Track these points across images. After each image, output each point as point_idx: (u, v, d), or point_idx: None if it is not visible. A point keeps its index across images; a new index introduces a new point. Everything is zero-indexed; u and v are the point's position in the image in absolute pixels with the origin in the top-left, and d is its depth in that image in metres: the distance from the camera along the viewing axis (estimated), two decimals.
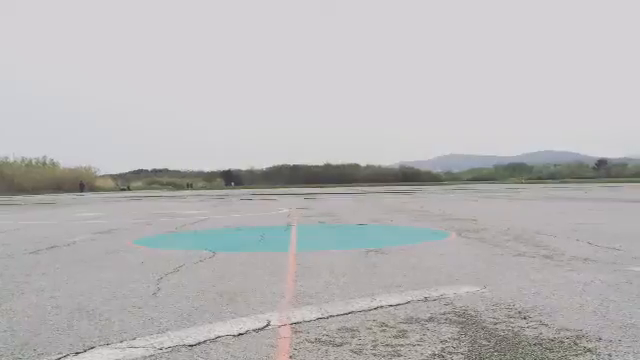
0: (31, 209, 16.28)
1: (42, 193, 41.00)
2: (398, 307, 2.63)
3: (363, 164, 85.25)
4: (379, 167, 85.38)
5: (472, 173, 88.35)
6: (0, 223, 9.91)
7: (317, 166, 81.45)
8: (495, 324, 2.31)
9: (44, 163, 56.49)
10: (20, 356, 1.99)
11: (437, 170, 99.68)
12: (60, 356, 1.98)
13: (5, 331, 2.33)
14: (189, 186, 61.54)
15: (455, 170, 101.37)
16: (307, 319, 2.43)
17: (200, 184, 70.05)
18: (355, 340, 2.11)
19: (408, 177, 76.01)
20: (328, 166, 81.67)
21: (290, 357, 1.93)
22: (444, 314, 2.48)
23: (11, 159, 54.00)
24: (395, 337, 2.14)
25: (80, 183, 49.58)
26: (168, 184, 66.70)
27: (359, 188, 40.86)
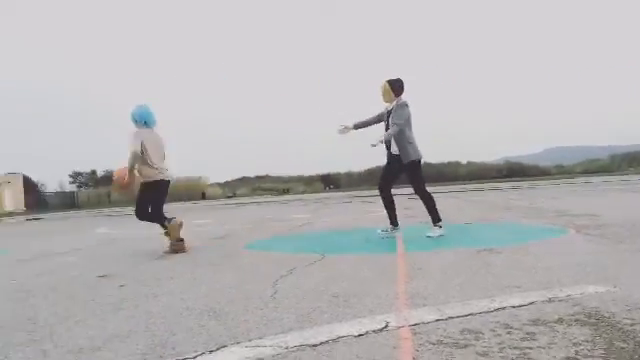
0: None
1: None
2: (521, 308, 2.52)
3: (464, 161, 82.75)
4: (481, 163, 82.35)
5: (584, 165, 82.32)
6: (125, 232, 10.79)
7: None
8: (632, 325, 2.15)
9: None
10: (161, 354, 2.16)
11: (545, 164, 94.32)
12: (197, 354, 2.13)
13: (145, 331, 2.55)
14: (287, 191, 63.23)
15: (565, 163, 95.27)
16: (425, 320, 2.41)
17: (300, 188, 71.67)
18: (480, 342, 2.06)
19: (514, 172, 72.59)
20: (427, 165, 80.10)
21: (413, 358, 1.92)
22: (573, 315, 2.35)
23: None
24: (522, 339, 2.06)
25: (202, 193, 53.35)
26: (270, 189, 68.94)
27: (461, 186, 39.68)
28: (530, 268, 3.60)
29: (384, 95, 6.05)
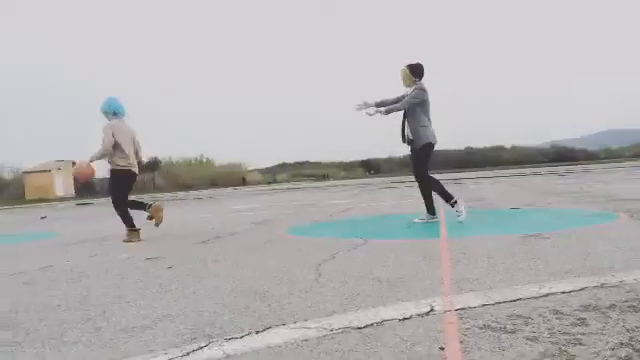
0: (194, 203, 17.94)
1: (202, 189, 44.87)
2: (572, 294, 2.46)
3: (508, 145, 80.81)
4: (527, 147, 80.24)
5: (636, 149, 79.12)
6: (171, 217, 11.07)
7: (458, 150, 78.83)
8: None
9: (201, 161, 61.79)
10: (209, 333, 2.21)
11: (594, 148, 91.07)
12: (243, 334, 2.17)
13: (193, 312, 2.61)
14: (326, 177, 63.30)
15: (615, 147, 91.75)
16: (472, 305, 2.38)
17: (340, 174, 71.66)
18: (528, 327, 2.02)
19: (561, 157, 70.49)
20: (470, 150, 78.68)
21: (461, 342, 1.90)
22: (626, 302, 2.27)
23: (174, 159, 59.93)
24: (573, 325, 2.01)
25: (243, 178, 54.23)
26: (310, 175, 69.22)
27: (506, 171, 38.81)
28: (580, 254, 3.50)
29: (404, 80, 6.06)
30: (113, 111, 6.25)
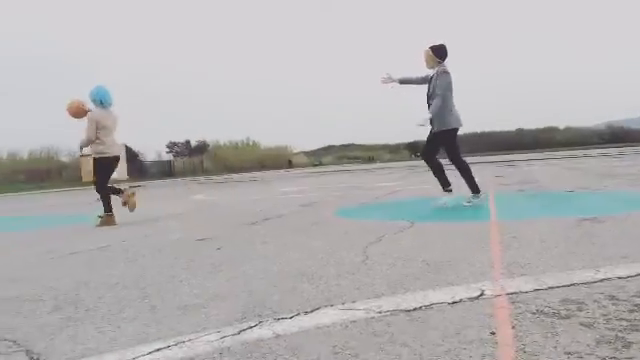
0: (241, 186, 18.24)
1: (249, 171, 45.55)
2: (629, 279, 2.37)
3: (561, 126, 77.96)
4: (581, 128, 77.18)
5: None
6: (220, 199, 11.30)
7: (508, 132, 76.65)
8: None
9: (248, 144, 62.62)
10: (260, 313, 2.26)
11: None
12: (293, 314, 2.20)
13: (242, 292, 2.67)
14: (372, 159, 62.94)
15: None
16: (523, 290, 2.34)
17: (386, 156, 71.10)
18: (583, 313, 1.97)
19: (617, 138, 67.53)
20: (521, 131, 76.39)
21: (512, 327, 1.87)
22: None
23: (222, 142, 60.98)
24: (630, 311, 1.94)
25: (289, 160, 54.82)
26: (356, 158, 69.00)
27: (558, 153, 37.54)
28: (637, 238, 3.36)
29: (427, 61, 6.06)
30: (100, 100, 6.62)
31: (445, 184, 6.20)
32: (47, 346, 2.02)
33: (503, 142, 67.54)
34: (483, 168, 18.39)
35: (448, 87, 5.90)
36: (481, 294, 2.31)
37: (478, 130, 78.29)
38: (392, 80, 6.27)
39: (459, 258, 3.12)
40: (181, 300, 2.58)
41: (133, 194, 6.89)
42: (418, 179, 14.09)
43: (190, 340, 1.97)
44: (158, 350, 1.89)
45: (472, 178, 6.12)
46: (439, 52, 6.00)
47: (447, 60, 6.02)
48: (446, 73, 5.90)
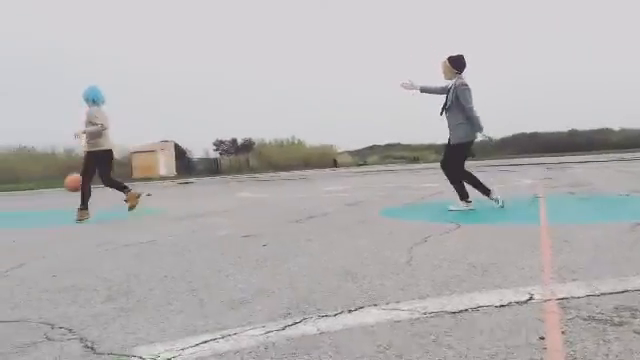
0: (287, 184, 18.39)
1: (294, 169, 45.88)
2: None
3: (616, 128, 74.80)
4: (638, 130, 73.87)
5: None
6: (265, 196, 11.44)
7: (560, 132, 74.18)
8: None
9: (293, 142, 63.03)
10: (304, 310, 2.28)
11: None
12: (337, 312, 2.21)
13: (287, 288, 2.70)
14: (417, 159, 62.23)
15: None
16: (575, 295, 2.27)
17: (431, 157, 70.13)
18: (637, 321, 1.89)
19: None
20: (573, 132, 73.81)
21: (562, 333, 1.82)
22: None
23: (267, 140, 61.68)
24: None
25: (334, 160, 55.11)
26: (401, 158, 68.34)
27: (612, 155, 36.10)
28: None
29: (445, 73, 6.04)
30: (92, 99, 7.08)
31: (485, 192, 6.05)
32: (100, 334, 2.11)
33: (554, 143, 65.36)
34: (532, 170, 17.89)
35: (470, 100, 5.88)
36: (530, 298, 2.26)
37: (527, 131, 76.12)
38: (413, 87, 6.27)
39: (507, 261, 3.05)
40: (227, 294, 2.63)
41: (139, 196, 7.34)
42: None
43: (236, 334, 2.01)
44: (205, 342, 1.93)
45: (463, 187, 6.07)
46: (457, 63, 5.98)
47: (465, 71, 6.00)
48: (464, 86, 5.87)
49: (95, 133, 7.02)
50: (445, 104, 6.04)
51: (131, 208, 7.35)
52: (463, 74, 5.98)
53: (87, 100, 7.11)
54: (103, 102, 7.21)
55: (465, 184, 6.09)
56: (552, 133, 73.39)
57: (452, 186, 6.17)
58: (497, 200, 5.94)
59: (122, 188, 7.38)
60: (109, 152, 7.24)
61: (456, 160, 6.10)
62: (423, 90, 6.31)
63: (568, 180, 11.26)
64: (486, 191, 6.04)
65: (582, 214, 5.33)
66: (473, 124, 5.89)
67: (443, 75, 6.10)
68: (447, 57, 6.02)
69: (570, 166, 19.83)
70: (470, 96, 5.89)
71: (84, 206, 7.06)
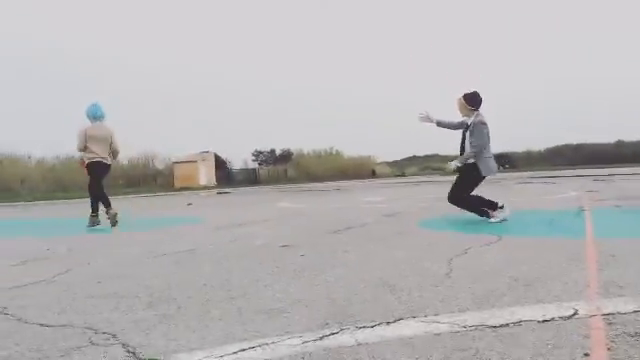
0: (325, 194, 18.42)
1: (331, 180, 45.95)
2: None
3: None
4: None
5: None
6: (303, 207, 11.49)
7: (606, 144, 71.82)
8: None
9: (331, 153, 63.15)
10: (341, 321, 2.28)
11: None
12: (374, 324, 2.20)
13: (325, 299, 2.70)
14: (457, 171, 61.33)
15: None
16: (622, 311, 2.19)
17: None
18: None
19: None
20: (620, 143, 71.34)
21: (608, 349, 1.76)
22: None
23: (305, 151, 62.01)
24: None
25: (372, 170, 55.09)
26: (439, 169, 67.47)
27: None
28: None
29: (460, 110, 6.05)
30: (92, 115, 7.51)
31: (493, 206, 5.94)
32: (142, 340, 2.15)
33: (600, 155, 63.33)
34: (577, 182, 17.38)
35: (485, 140, 5.86)
36: (574, 313, 2.19)
37: (574, 142, 73.98)
38: (430, 120, 6.24)
39: (550, 275, 2.97)
40: (265, 304, 2.65)
41: (115, 215, 7.49)
42: (505, 192, 13.55)
43: (273, 343, 2.02)
44: (243, 350, 1.95)
45: (484, 201, 6.02)
46: (472, 101, 5.95)
47: (482, 107, 5.97)
48: (482, 124, 5.83)
49: (78, 149, 7.63)
50: (462, 141, 6.02)
51: (112, 225, 7.48)
52: (480, 110, 5.96)
53: (87, 117, 7.59)
54: (100, 118, 7.61)
55: (481, 197, 6.08)
56: (599, 144, 71.15)
57: (473, 213, 6.09)
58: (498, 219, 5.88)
59: (105, 203, 7.61)
60: (94, 163, 7.55)
61: (465, 187, 6.09)
62: (439, 124, 6.28)
63: (614, 193, 10.89)
64: (484, 213, 6.01)
65: (629, 228, 5.14)
66: (466, 158, 5.93)
67: (459, 112, 6.11)
68: (462, 95, 6.01)
69: (616, 178, 19.17)
70: (487, 135, 5.87)
71: (95, 212, 7.52)
